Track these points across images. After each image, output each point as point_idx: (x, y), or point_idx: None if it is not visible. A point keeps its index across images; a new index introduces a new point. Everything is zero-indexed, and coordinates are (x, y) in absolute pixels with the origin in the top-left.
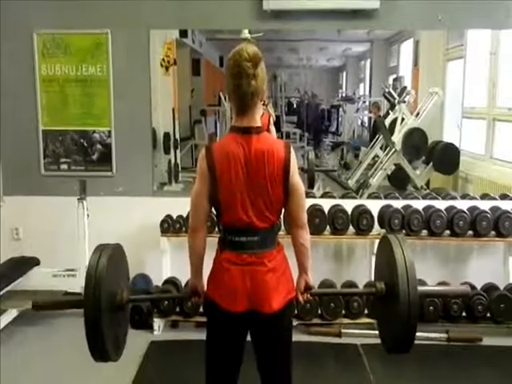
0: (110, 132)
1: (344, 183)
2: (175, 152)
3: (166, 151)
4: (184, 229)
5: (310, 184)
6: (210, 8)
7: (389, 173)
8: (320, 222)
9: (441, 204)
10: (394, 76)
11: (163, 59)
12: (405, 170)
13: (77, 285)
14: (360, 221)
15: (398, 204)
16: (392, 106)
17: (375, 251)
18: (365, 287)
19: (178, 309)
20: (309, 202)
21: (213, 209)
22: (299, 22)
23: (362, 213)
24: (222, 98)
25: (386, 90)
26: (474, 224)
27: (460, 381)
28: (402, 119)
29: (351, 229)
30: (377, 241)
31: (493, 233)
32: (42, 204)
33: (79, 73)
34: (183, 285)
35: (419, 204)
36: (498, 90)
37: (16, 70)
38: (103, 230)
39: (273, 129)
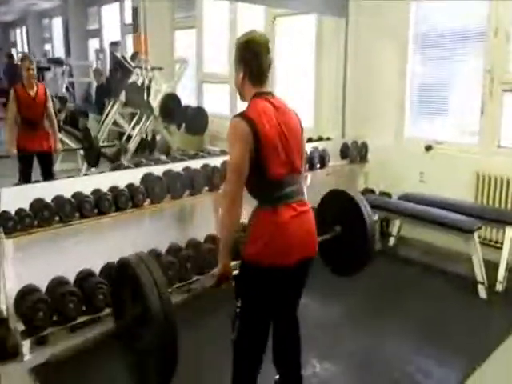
0: None
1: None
2: None
3: None
4: (36, 222)
5: None
6: None
7: (145, 137)
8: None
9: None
10: (97, 39)
11: None
12: (156, 134)
13: None
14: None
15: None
16: (126, 71)
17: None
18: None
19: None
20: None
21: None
22: None
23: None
24: None
25: (119, 55)
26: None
27: None
28: (148, 84)
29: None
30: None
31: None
32: None
33: None
34: (44, 291)
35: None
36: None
37: None
38: None
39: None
